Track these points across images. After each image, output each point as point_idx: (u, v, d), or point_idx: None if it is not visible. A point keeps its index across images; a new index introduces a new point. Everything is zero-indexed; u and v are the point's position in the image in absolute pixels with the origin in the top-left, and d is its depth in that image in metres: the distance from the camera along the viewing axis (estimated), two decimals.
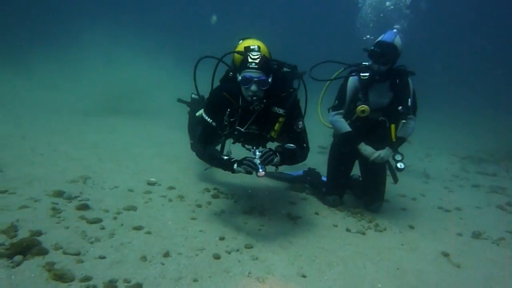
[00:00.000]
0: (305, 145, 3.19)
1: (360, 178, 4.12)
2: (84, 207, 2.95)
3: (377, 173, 3.91)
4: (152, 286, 2.20)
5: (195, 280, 2.33)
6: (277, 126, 3.09)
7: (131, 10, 19.52)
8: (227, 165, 2.84)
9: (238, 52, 3.27)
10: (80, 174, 3.63)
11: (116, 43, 12.08)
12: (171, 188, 3.76)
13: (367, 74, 3.60)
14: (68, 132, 5.26)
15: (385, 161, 3.70)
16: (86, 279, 2.12)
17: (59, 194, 3.07)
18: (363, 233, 3.44)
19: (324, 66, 3.95)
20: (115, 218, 2.91)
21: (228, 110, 2.97)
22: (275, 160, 2.85)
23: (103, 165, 4.11)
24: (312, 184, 4.31)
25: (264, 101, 2.94)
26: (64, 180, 3.43)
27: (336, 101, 3.80)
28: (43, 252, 2.24)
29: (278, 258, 2.76)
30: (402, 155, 3.66)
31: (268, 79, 2.84)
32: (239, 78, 2.85)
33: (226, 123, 3.03)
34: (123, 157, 4.57)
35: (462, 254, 3.24)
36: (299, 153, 3.13)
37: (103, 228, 2.72)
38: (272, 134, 3.13)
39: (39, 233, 2.44)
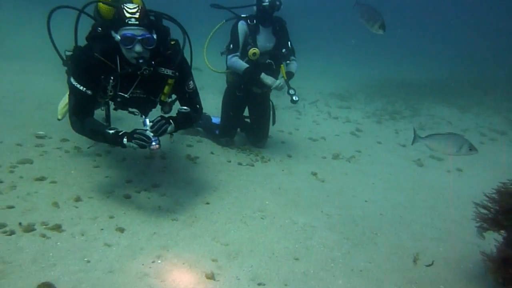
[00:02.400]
0: (198, 106, 2.99)
1: (248, 120, 4.69)
2: None
3: (263, 116, 4.53)
4: (71, 225, 2.39)
5: (111, 217, 2.59)
6: (166, 89, 2.79)
7: None
8: (115, 140, 2.46)
9: (105, 2, 2.81)
10: None
11: None
12: (64, 140, 3.68)
13: (265, 4, 3.98)
14: None
15: (281, 89, 4.18)
16: (1, 225, 2.18)
17: None
18: (252, 165, 4.08)
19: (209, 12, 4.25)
20: (11, 171, 2.85)
21: (111, 77, 2.55)
22: (169, 128, 2.61)
23: None
24: (204, 127, 4.71)
25: (153, 62, 2.59)
26: None
27: (231, 45, 4.11)
28: None
29: (183, 192, 3.17)
30: (294, 89, 4.23)
31: (153, 36, 2.48)
32: (117, 37, 2.41)
33: (108, 90, 2.62)
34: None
35: (325, 172, 4.17)
36: (193, 116, 2.91)
37: (1, 182, 2.67)
38: (162, 97, 2.85)
39: None
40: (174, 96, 3.07)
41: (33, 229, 2.25)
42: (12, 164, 2.96)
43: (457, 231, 3.14)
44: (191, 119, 2.91)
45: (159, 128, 2.49)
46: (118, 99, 2.72)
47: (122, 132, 2.46)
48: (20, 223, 2.26)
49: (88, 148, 3.48)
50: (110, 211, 2.66)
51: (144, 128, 2.51)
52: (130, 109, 3.02)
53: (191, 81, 2.92)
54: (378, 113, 7.59)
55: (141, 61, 2.47)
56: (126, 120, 4.30)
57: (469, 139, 3.17)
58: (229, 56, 4.16)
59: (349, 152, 4.94)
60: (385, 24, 3.03)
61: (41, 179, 2.85)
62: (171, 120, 2.64)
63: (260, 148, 4.61)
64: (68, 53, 3.48)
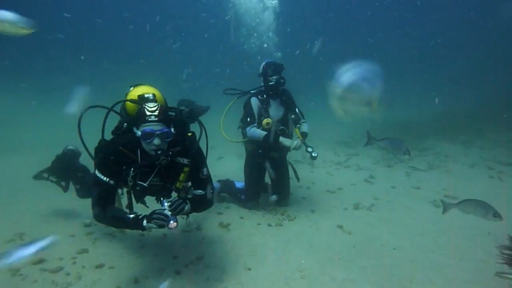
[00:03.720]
0: (211, 191, 3.13)
1: (270, 183, 5.05)
2: (39, 260, 3.09)
3: (283, 176, 4.91)
4: None
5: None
6: (182, 177, 2.97)
7: None
8: (136, 224, 2.56)
9: (132, 101, 3.01)
10: (13, 233, 3.62)
11: None
12: None
13: (272, 84, 4.57)
14: None
15: (299, 148, 4.56)
16: None
17: None
18: (281, 225, 4.36)
19: (220, 94, 4.86)
20: (74, 263, 3.15)
21: (132, 169, 2.75)
22: (186, 208, 2.73)
23: (28, 219, 4.08)
24: (230, 193, 5.07)
25: (170, 153, 2.79)
26: (2, 241, 3.41)
27: (248, 118, 4.62)
28: None
29: (225, 260, 3.44)
30: (312, 147, 4.62)
31: (170, 130, 2.73)
32: (138, 132, 2.66)
33: (129, 180, 2.80)
34: (44, 205, 4.53)
35: (350, 224, 4.42)
36: (207, 199, 3.06)
37: (68, 274, 2.96)
38: (177, 185, 3.00)
39: None
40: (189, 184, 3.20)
41: None
42: (72, 255, 3.27)
43: (486, 270, 3.32)
44: (205, 202, 3.07)
45: (176, 207, 2.62)
46: (137, 188, 2.88)
47: (141, 215, 2.59)
48: None
49: (110, 234, 3.66)
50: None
51: (162, 208, 2.63)
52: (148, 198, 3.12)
53: (205, 169, 3.11)
54: (386, 157, 7.95)
55: (159, 152, 2.69)
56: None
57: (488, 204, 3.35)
58: (248, 128, 4.63)
59: (368, 201, 5.22)
60: (409, 149, 3.44)
61: (100, 266, 3.14)
62: (187, 201, 2.78)
63: (285, 207, 4.92)
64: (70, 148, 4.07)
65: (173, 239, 3.81)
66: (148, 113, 2.65)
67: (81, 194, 4.05)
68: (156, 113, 2.65)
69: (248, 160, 4.92)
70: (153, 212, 2.54)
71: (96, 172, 2.79)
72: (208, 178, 3.14)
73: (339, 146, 9.22)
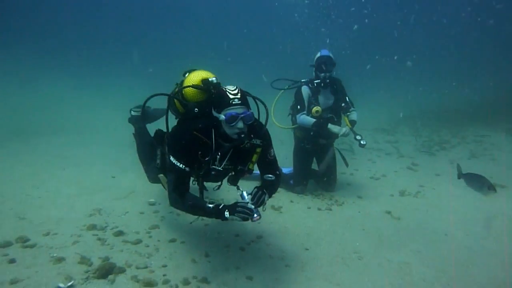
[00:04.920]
0: (278, 172, 3.13)
1: (317, 169, 5.22)
2: (120, 233, 3.44)
3: (331, 163, 5.06)
4: (213, 277, 2.92)
5: (238, 268, 3.11)
6: (254, 157, 2.95)
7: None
8: (216, 214, 2.58)
9: (194, 86, 2.88)
10: (92, 208, 4.00)
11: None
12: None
13: (318, 80, 4.72)
14: (38, 167, 5.31)
15: (348, 135, 4.75)
16: (166, 281, 2.78)
17: (93, 227, 3.49)
18: (330, 209, 4.54)
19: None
20: (150, 236, 3.47)
21: (209, 153, 2.74)
22: (266, 198, 2.76)
23: (101, 195, 4.47)
24: None
25: (252, 135, 2.83)
26: (85, 215, 3.80)
27: (298, 106, 4.79)
28: (122, 270, 2.84)
29: (284, 240, 3.66)
30: (360, 135, 4.78)
31: (252, 113, 2.70)
32: (221, 116, 2.61)
33: (203, 165, 2.81)
34: (108, 184, 4.91)
35: (398, 210, 4.55)
36: (277, 182, 3.08)
37: (147, 246, 3.29)
38: (250, 166, 2.97)
39: (107, 259, 2.97)
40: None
41: (189, 282, 2.80)
42: (146, 230, 3.60)
43: None
44: (277, 185, 3.09)
45: (258, 199, 2.66)
46: (213, 172, 2.89)
47: (222, 206, 2.58)
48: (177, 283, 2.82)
49: (191, 223, 3.59)
50: (235, 263, 3.17)
51: (244, 201, 2.62)
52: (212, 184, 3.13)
53: (272, 149, 3.09)
54: (427, 144, 7.91)
55: (242, 135, 2.67)
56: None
57: None
58: (298, 115, 4.79)
59: (414, 188, 5.31)
60: (493, 185, 3.46)
61: (173, 240, 3.45)
62: (264, 191, 2.78)
63: (331, 192, 5.08)
64: (135, 113, 4.00)
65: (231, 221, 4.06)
66: (231, 96, 2.61)
67: (151, 179, 3.81)
68: (238, 96, 2.63)
69: (297, 146, 5.09)
70: (236, 205, 2.54)
71: (172, 159, 2.75)
72: (275, 159, 3.13)
73: (378, 133, 9.22)
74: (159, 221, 3.86)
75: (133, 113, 4.08)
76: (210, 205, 2.61)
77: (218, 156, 2.82)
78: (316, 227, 4.03)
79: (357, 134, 4.78)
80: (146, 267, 2.93)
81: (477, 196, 5.01)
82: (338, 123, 4.91)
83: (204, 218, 3.70)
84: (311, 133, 4.79)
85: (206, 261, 3.17)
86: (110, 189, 4.72)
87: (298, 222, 4.12)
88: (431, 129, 9.37)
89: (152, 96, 2.99)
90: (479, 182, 3.60)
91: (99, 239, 3.30)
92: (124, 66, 17.32)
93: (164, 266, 3.00)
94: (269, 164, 3.08)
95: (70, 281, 2.58)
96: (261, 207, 2.74)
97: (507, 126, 8.92)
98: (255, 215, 2.51)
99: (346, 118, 4.92)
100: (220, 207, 2.58)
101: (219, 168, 2.90)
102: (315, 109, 4.69)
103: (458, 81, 14.45)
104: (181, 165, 2.71)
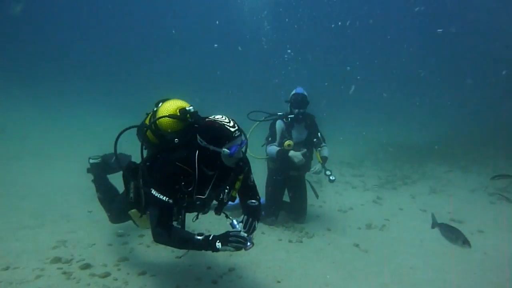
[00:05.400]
0: (259, 197, 3.13)
1: (288, 201, 5.31)
2: (87, 266, 3.30)
3: (301, 195, 5.20)
4: None
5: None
6: (237, 185, 2.89)
7: None
8: (206, 246, 2.51)
9: (173, 116, 2.80)
10: (56, 239, 3.82)
11: None
12: (141, 236, 4.20)
13: (292, 116, 4.92)
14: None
15: (320, 172, 5.00)
16: None
17: (57, 260, 3.33)
18: (301, 241, 4.60)
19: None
20: (119, 269, 3.35)
21: (190, 183, 2.68)
22: (256, 225, 2.76)
23: (64, 226, 4.27)
24: None
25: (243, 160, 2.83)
26: (48, 247, 3.62)
27: (270, 138, 5.00)
28: None
29: (256, 273, 3.66)
30: (330, 170, 5.01)
31: (246, 139, 2.73)
32: (226, 151, 2.56)
33: (185, 196, 2.74)
34: (74, 216, 4.71)
35: (365, 243, 4.68)
36: (260, 208, 3.09)
37: (116, 279, 3.17)
38: (233, 193, 2.90)
39: None
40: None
41: None
42: (115, 262, 3.48)
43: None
44: (260, 211, 3.10)
45: (250, 227, 2.69)
46: (198, 202, 2.78)
47: (212, 237, 2.51)
48: None
49: (179, 258, 3.45)
50: None
51: (235, 229, 2.60)
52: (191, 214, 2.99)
53: (252, 175, 3.09)
54: (390, 179, 8.29)
55: (241, 163, 2.70)
56: None
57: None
58: (268, 146, 4.94)
59: (379, 221, 5.51)
60: (467, 240, 3.54)
61: (143, 273, 3.35)
62: (253, 217, 2.82)
63: (301, 224, 5.17)
64: (93, 161, 3.99)
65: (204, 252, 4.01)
66: (231, 129, 2.57)
67: (113, 219, 3.63)
68: (236, 127, 2.60)
69: (270, 177, 5.19)
70: (228, 234, 2.49)
71: (154, 192, 2.64)
72: (255, 184, 3.13)
73: (344, 166, 9.54)
74: (128, 253, 3.75)
75: (91, 161, 4.03)
76: (199, 237, 2.53)
77: (198, 186, 2.74)
78: (288, 259, 4.06)
79: (327, 170, 4.99)
80: None
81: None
82: (309, 157, 5.09)
83: (175, 250, 3.66)
84: (280, 164, 4.93)
85: None
86: (75, 219, 4.53)
87: (270, 254, 4.14)
88: (394, 164, 9.84)
89: (124, 131, 2.84)
90: (454, 235, 3.68)
91: (64, 272, 3.15)
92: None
93: None
94: (250, 189, 3.09)
95: None
96: (252, 234, 2.72)
97: (462, 164, 9.56)
98: (249, 243, 2.48)
99: (318, 154, 5.11)
100: (210, 238, 2.51)
101: (203, 197, 2.81)
102: (287, 142, 4.85)
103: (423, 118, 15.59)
104: (165, 198, 2.62)
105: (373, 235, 5.04)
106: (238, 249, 2.47)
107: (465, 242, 3.54)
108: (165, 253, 3.83)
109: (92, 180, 3.96)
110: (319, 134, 5.16)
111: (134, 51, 26.14)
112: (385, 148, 11.65)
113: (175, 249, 3.89)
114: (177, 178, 2.67)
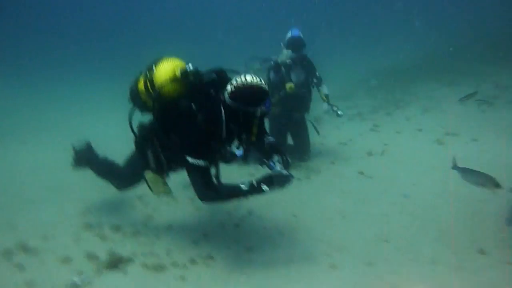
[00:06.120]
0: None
1: (291, 144, 5.56)
2: (117, 228, 3.55)
3: (304, 134, 5.48)
4: None
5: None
6: (255, 129, 2.84)
7: None
8: (254, 191, 2.65)
9: (175, 81, 2.84)
10: (81, 209, 4.01)
11: None
12: None
13: (289, 60, 5.02)
14: None
15: (329, 110, 5.30)
16: (174, 264, 3.01)
17: (88, 226, 3.59)
18: (309, 178, 4.88)
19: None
20: (147, 227, 3.62)
21: (223, 136, 2.71)
22: (289, 159, 2.92)
23: (85, 196, 4.44)
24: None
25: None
26: (76, 216, 3.82)
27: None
28: (130, 260, 3.00)
29: (275, 209, 3.92)
30: (337, 106, 5.23)
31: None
32: (262, 108, 2.66)
33: (217, 151, 2.81)
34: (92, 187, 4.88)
35: (369, 169, 4.96)
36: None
37: (148, 235, 3.44)
38: (253, 138, 2.86)
39: (113, 252, 3.09)
40: None
41: (196, 262, 3.03)
42: (142, 222, 3.75)
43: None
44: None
45: (286, 163, 2.83)
46: (228, 154, 2.84)
47: (255, 182, 2.66)
48: None
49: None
50: (233, 238, 3.42)
51: (275, 169, 2.75)
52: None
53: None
54: (384, 106, 8.46)
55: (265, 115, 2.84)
56: None
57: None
58: None
59: (379, 147, 5.77)
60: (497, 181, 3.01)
61: (170, 227, 3.63)
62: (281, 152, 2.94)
63: (307, 162, 5.42)
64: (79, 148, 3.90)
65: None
66: (266, 89, 2.65)
67: (120, 186, 3.71)
68: (266, 84, 2.66)
69: (272, 123, 5.35)
70: (270, 175, 2.66)
71: (190, 159, 2.71)
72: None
73: (336, 100, 9.62)
74: (152, 211, 3.98)
75: (78, 148, 3.95)
76: (244, 186, 2.67)
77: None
78: (300, 195, 4.33)
79: (334, 106, 5.19)
80: (152, 254, 3.10)
81: (433, 146, 5.63)
82: (309, 97, 5.31)
83: (195, 202, 3.89)
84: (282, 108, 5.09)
85: (206, 241, 3.38)
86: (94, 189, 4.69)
87: (282, 194, 4.35)
88: (385, 90, 9.95)
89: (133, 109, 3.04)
90: (480, 179, 3.21)
91: (98, 236, 3.39)
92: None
93: (169, 250, 3.18)
94: (264, 129, 3.18)
95: (83, 275, 2.73)
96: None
97: (449, 78, 9.66)
98: (292, 177, 2.68)
99: (321, 94, 5.33)
100: (255, 184, 2.65)
101: (230, 149, 2.85)
102: (288, 85, 4.95)
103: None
104: (201, 161, 2.70)
105: (375, 161, 5.32)
106: (283, 187, 2.67)
107: (497, 185, 3.04)
108: (186, 207, 4.07)
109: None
110: (317, 73, 5.26)
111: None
112: (372, 75, 11.65)
113: (195, 201, 4.15)
114: (207, 141, 2.73)
